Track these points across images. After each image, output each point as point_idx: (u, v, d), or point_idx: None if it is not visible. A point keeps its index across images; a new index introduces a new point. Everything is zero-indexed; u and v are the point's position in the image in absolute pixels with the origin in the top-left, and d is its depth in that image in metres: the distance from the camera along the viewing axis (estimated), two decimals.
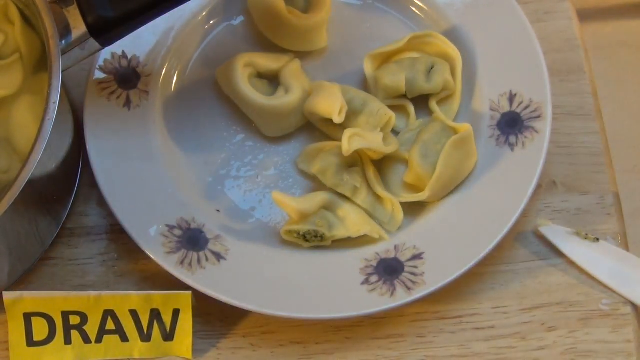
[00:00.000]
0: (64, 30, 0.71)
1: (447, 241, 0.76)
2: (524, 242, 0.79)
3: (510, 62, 0.82)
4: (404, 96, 0.82)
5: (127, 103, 0.81)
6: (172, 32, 0.84)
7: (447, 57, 0.83)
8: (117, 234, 0.78)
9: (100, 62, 0.81)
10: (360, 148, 0.76)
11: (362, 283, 0.74)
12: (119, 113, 0.80)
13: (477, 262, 0.74)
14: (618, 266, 0.77)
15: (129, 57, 0.82)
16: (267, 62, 0.83)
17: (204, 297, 0.73)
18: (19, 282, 0.77)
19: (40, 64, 0.73)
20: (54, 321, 0.73)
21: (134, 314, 0.73)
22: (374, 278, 0.74)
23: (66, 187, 0.79)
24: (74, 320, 0.73)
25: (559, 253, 0.78)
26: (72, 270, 0.78)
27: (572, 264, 0.78)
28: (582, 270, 0.77)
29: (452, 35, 0.84)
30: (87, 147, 0.78)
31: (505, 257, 0.78)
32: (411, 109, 0.82)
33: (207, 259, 0.75)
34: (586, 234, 0.78)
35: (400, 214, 0.78)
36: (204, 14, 0.86)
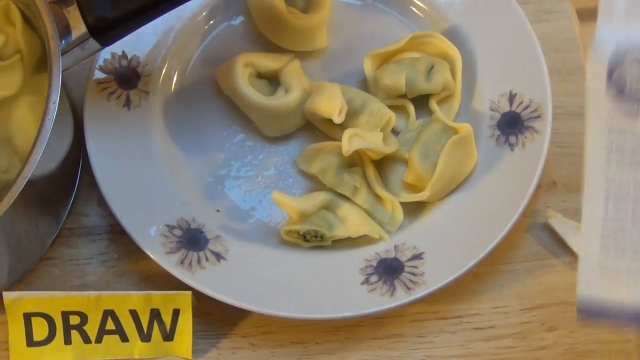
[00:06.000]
0: (64, 30, 0.70)
1: (447, 241, 0.76)
2: (525, 241, 0.79)
3: (510, 62, 0.82)
4: (404, 96, 0.82)
5: (127, 103, 0.81)
6: (172, 32, 0.84)
7: (447, 57, 0.83)
8: (117, 234, 0.78)
9: (100, 62, 0.81)
10: (360, 148, 0.76)
11: (362, 283, 0.74)
12: (119, 113, 0.80)
13: (477, 262, 0.74)
14: None
15: (129, 57, 0.82)
16: (267, 62, 0.83)
17: (204, 297, 0.73)
18: (19, 282, 0.77)
19: (40, 64, 0.73)
20: (54, 321, 0.73)
21: (133, 314, 0.73)
22: (374, 278, 0.74)
23: (66, 187, 0.79)
24: (74, 320, 0.73)
25: (562, 248, 0.78)
26: (72, 270, 0.78)
27: (572, 264, 0.78)
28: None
29: (452, 35, 0.84)
30: (87, 147, 0.78)
31: (505, 257, 0.78)
32: (411, 109, 0.82)
33: (207, 259, 0.75)
34: None
35: (400, 214, 0.78)
36: (204, 14, 0.86)
